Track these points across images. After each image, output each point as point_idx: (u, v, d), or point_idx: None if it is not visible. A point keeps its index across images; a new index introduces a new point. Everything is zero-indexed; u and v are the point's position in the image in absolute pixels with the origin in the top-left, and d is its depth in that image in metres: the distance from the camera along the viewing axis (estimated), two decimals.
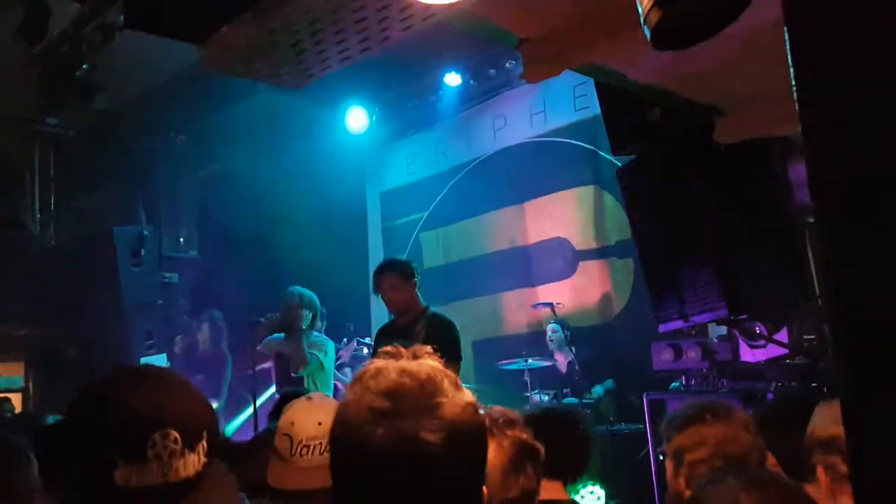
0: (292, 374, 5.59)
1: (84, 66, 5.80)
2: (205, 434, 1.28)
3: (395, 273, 4.89)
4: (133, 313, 6.74)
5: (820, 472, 2.05)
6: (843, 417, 0.97)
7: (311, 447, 2.01)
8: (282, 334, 5.83)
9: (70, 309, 6.81)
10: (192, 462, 1.24)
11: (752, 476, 1.66)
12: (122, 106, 7.28)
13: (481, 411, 1.29)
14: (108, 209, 7.69)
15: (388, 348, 1.30)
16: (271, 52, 2.51)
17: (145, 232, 6.84)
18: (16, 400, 5.57)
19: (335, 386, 5.88)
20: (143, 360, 6.59)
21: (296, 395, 3.33)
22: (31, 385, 6.21)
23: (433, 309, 4.93)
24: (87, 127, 7.52)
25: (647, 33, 1.90)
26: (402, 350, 1.29)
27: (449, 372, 1.27)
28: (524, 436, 2.09)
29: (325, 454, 1.69)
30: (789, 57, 1.11)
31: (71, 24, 5.80)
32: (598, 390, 6.25)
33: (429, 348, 1.32)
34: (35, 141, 7.61)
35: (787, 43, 1.10)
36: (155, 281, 7.27)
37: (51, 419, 3.34)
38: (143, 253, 6.74)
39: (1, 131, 7.48)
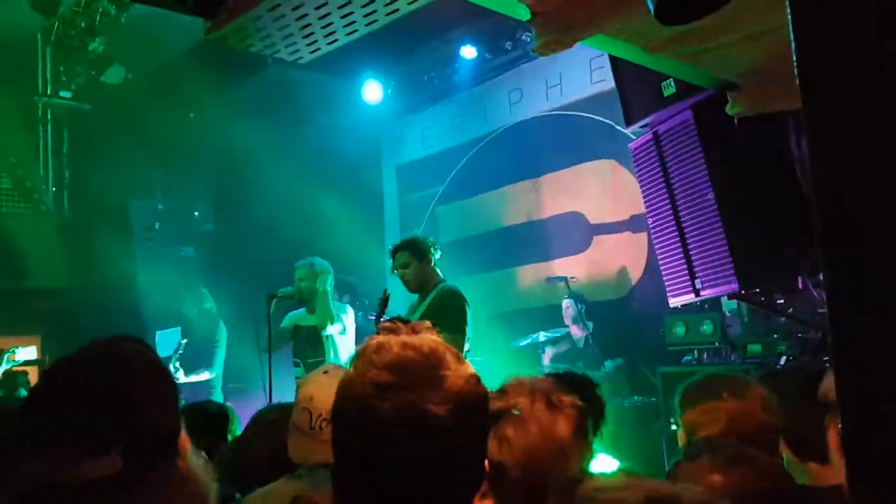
0: (322, 334, 5.55)
1: (97, 40, 5.80)
2: (124, 432, 1.22)
3: (407, 251, 4.90)
4: (148, 286, 6.79)
5: (832, 434, 2.03)
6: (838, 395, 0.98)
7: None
8: (302, 309, 5.81)
9: (86, 282, 6.88)
10: (105, 463, 1.20)
11: (726, 454, 1.64)
12: (137, 80, 7.29)
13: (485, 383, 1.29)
14: (123, 183, 7.71)
15: (387, 324, 1.31)
16: (276, 25, 2.50)
17: (160, 206, 6.88)
18: (32, 373, 5.64)
19: None
20: (158, 334, 6.67)
21: None
22: (46, 359, 6.28)
23: (448, 283, 4.92)
24: (101, 100, 7.54)
25: (651, 7, 1.88)
26: (401, 325, 1.29)
27: (449, 346, 1.28)
28: (578, 401, 1.99)
29: None
30: (791, 36, 1.09)
31: None
32: (609, 365, 6.25)
33: (427, 323, 1.31)
34: (49, 114, 7.64)
35: (790, 23, 1.09)
36: (170, 254, 7.31)
37: None
38: (158, 227, 6.78)
39: (15, 104, 7.51)
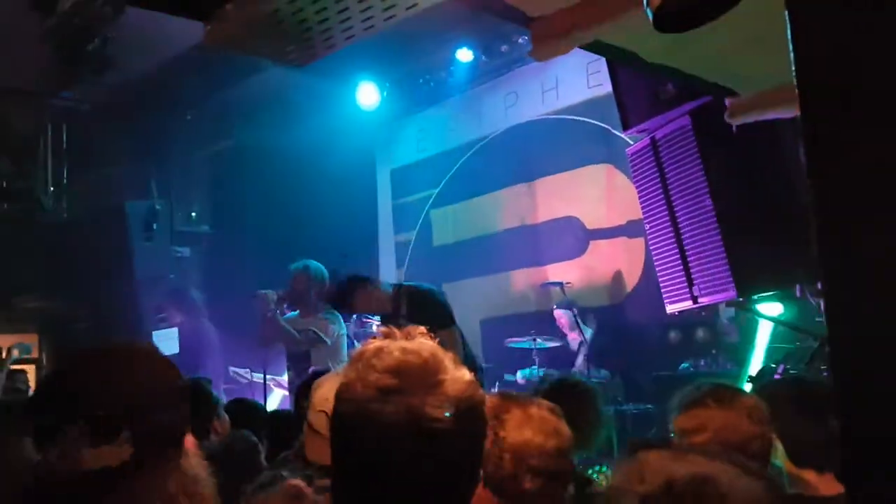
0: (301, 350, 5.56)
1: (96, 40, 5.80)
2: (129, 424, 1.23)
3: (349, 298, 4.96)
4: (145, 287, 6.79)
5: None
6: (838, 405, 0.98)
7: None
8: (296, 312, 5.79)
9: (83, 282, 6.87)
10: (108, 454, 1.21)
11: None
12: (135, 81, 7.28)
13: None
14: (120, 184, 7.71)
15: (383, 329, 1.32)
16: (275, 30, 2.49)
17: (157, 207, 6.88)
18: (30, 372, 5.63)
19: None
20: (154, 334, 6.65)
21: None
22: (43, 357, 6.29)
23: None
24: (100, 101, 7.53)
25: (650, 15, 1.88)
26: (396, 331, 1.31)
27: (447, 351, 1.29)
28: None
29: None
30: (790, 44, 1.10)
31: None
32: (604, 371, 6.23)
33: (422, 329, 1.33)
34: (48, 114, 7.64)
35: (789, 31, 1.09)
36: (167, 255, 7.31)
37: None
38: (155, 227, 6.78)
39: (14, 104, 7.50)
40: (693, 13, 1.89)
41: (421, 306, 4.60)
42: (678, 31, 1.95)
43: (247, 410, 3.69)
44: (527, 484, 1.81)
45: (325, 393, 2.13)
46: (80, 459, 1.19)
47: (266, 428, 3.41)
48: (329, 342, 5.52)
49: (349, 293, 4.92)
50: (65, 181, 7.71)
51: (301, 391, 3.48)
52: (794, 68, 1.10)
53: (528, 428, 1.86)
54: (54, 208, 7.56)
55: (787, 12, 1.10)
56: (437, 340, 1.32)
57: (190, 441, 1.38)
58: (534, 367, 6.37)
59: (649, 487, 1.14)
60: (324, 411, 2.08)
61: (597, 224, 7.39)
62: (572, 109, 7.62)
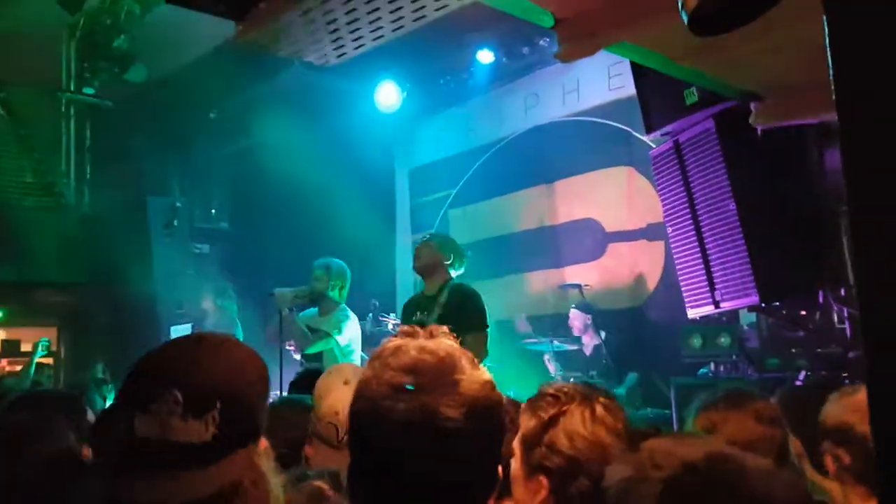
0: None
1: (121, 37, 5.85)
2: (217, 405, 1.24)
3: (438, 240, 5.02)
4: (164, 282, 6.83)
5: (828, 460, 2.05)
6: (870, 409, 0.97)
7: None
8: (314, 310, 5.80)
9: (103, 276, 6.92)
10: (195, 429, 1.23)
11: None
12: (159, 79, 7.34)
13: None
14: (142, 180, 7.77)
15: (405, 328, 1.33)
16: (306, 30, 2.51)
17: (178, 203, 6.92)
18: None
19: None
20: (173, 329, 6.69)
21: (317, 373, 3.34)
22: (62, 350, 6.35)
23: (458, 282, 4.93)
24: (123, 98, 7.60)
25: (685, 18, 1.88)
26: (419, 329, 1.32)
27: (466, 351, 1.30)
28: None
29: None
30: (828, 50, 1.09)
31: None
32: (622, 375, 6.19)
33: (445, 328, 1.33)
34: (72, 110, 7.71)
35: (827, 35, 1.09)
36: (186, 251, 7.35)
37: None
38: (175, 223, 6.82)
39: (39, 100, 7.58)
40: (729, 16, 1.89)
41: (462, 303, 4.61)
42: (714, 34, 1.95)
43: None
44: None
45: (332, 404, 2.13)
46: (167, 429, 1.20)
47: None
48: (339, 339, 5.52)
49: (444, 240, 5.06)
50: (87, 176, 7.79)
51: (291, 390, 3.46)
52: (831, 71, 1.09)
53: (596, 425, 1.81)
54: (77, 203, 7.63)
55: (825, 15, 1.10)
56: (458, 341, 1.32)
57: (264, 443, 1.40)
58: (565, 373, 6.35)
59: (669, 472, 1.15)
60: (332, 424, 2.09)
61: (616, 226, 7.36)
62: (593, 111, 7.59)
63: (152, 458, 1.20)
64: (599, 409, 1.83)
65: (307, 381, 3.21)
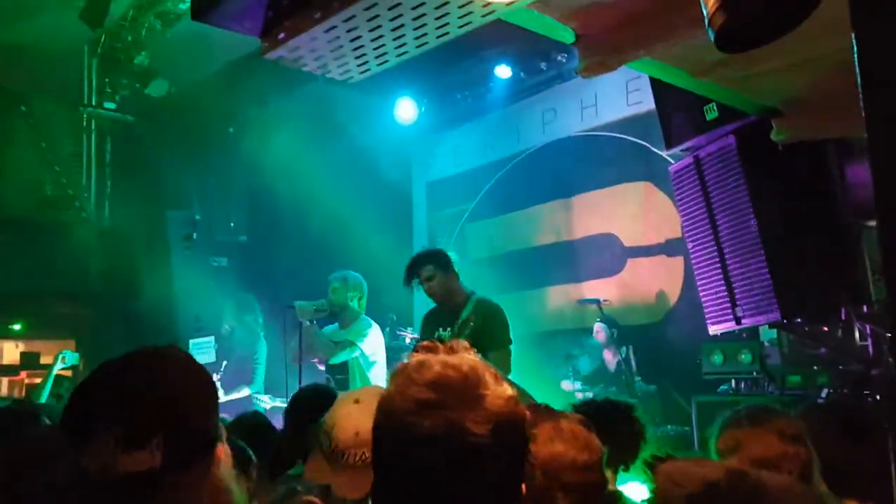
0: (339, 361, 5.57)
1: (143, 54, 5.91)
2: (160, 432, 1.24)
3: (432, 264, 4.79)
4: (183, 295, 6.86)
5: None
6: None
7: (347, 455, 1.95)
8: (335, 325, 5.81)
9: (122, 289, 6.96)
10: (142, 458, 1.22)
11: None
12: (179, 93, 7.41)
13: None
14: (162, 193, 7.83)
15: (426, 343, 1.32)
16: (330, 46, 2.53)
17: (197, 217, 6.95)
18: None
19: None
20: (192, 342, 6.71)
21: (318, 392, 3.28)
22: (81, 364, 6.39)
23: (478, 294, 4.87)
24: (145, 113, 7.67)
25: (712, 35, 1.88)
26: (440, 345, 1.31)
27: (489, 366, 1.29)
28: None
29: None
30: (856, 66, 1.09)
31: (131, 11, 5.92)
32: (642, 391, 6.16)
33: (465, 343, 1.33)
34: (93, 124, 7.79)
35: (855, 52, 1.09)
36: (205, 264, 7.39)
37: None
38: (194, 237, 6.86)
39: (60, 114, 7.66)
40: (756, 33, 1.89)
41: (489, 319, 4.54)
42: (740, 51, 1.95)
43: (251, 425, 3.31)
44: (560, 501, 1.77)
45: (334, 418, 2.02)
46: (112, 463, 1.20)
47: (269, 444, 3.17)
48: (362, 346, 5.51)
49: (443, 258, 4.80)
50: (108, 190, 7.86)
51: (294, 406, 3.25)
52: (859, 85, 1.09)
53: (559, 441, 1.83)
54: (96, 217, 7.70)
55: (853, 32, 1.10)
56: (478, 356, 1.31)
57: (221, 450, 1.38)
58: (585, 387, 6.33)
59: (690, 489, 1.15)
60: (328, 434, 2.00)
61: (634, 242, 7.34)
62: (611, 126, 7.60)
63: (97, 493, 1.20)
64: (566, 426, 1.86)
65: (308, 400, 3.15)
